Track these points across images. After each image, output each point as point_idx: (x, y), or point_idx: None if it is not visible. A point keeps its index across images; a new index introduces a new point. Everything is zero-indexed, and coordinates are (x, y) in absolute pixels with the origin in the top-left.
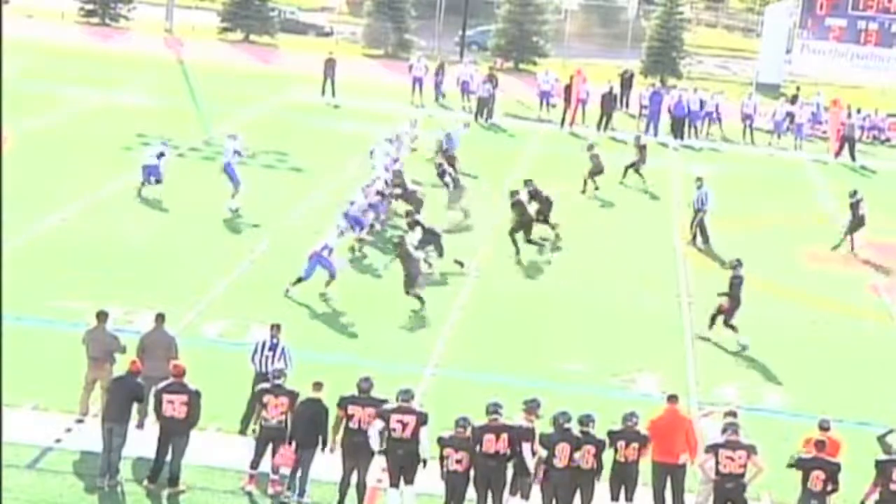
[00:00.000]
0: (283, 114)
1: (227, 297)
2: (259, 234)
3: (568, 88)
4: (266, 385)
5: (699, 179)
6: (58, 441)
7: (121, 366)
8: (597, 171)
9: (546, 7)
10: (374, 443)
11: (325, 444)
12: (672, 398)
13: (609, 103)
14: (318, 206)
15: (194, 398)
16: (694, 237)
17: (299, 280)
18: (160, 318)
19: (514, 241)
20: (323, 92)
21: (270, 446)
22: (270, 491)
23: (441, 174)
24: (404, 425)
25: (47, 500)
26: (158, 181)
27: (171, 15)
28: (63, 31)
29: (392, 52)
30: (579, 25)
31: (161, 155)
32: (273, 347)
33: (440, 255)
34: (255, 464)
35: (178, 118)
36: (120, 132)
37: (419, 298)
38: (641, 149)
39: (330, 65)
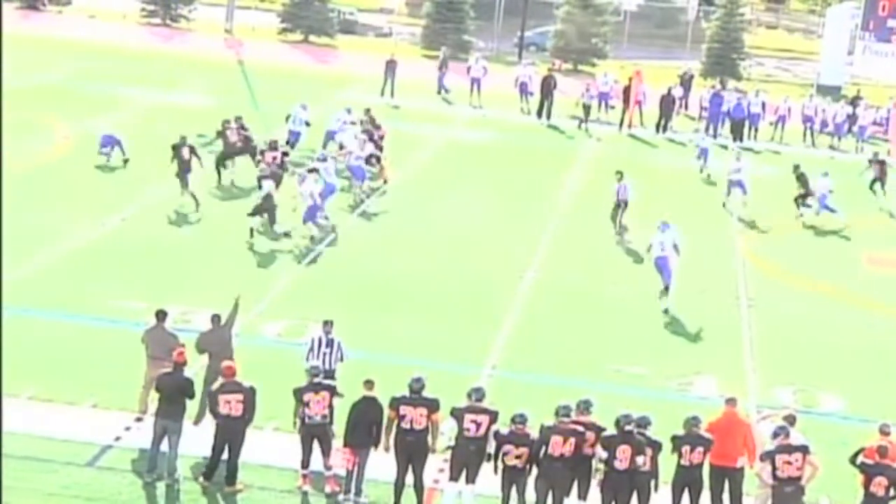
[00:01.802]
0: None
1: (287, 297)
2: (315, 233)
3: (626, 90)
4: (303, 384)
5: (619, 173)
6: (117, 439)
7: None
8: (806, 192)
9: (605, 8)
10: (444, 440)
11: (377, 443)
12: (730, 401)
13: (668, 105)
14: (374, 207)
15: (250, 395)
16: (618, 231)
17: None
18: (216, 318)
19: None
20: (382, 93)
21: (316, 443)
22: (328, 489)
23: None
24: (478, 425)
25: (106, 497)
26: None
27: (231, 16)
28: (125, 32)
29: (451, 53)
30: (638, 27)
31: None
32: (329, 344)
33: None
34: (305, 463)
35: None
36: (180, 132)
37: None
38: (880, 164)
39: (391, 66)
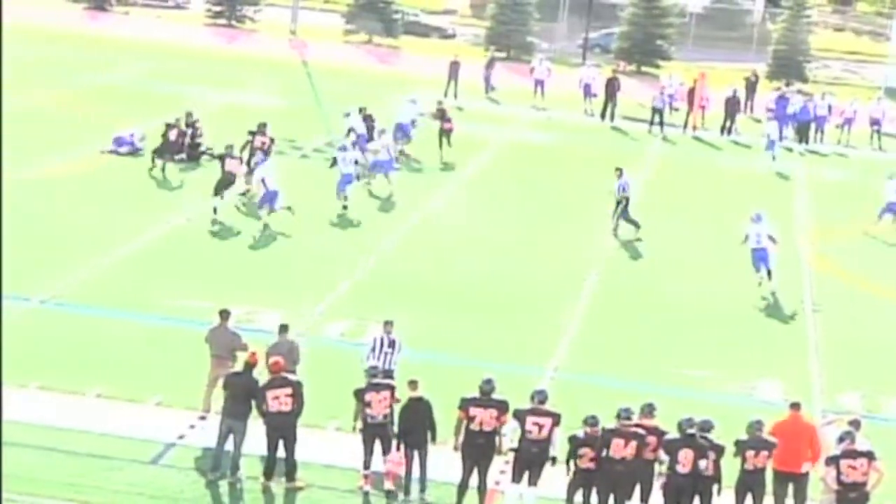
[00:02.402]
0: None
1: (349, 297)
2: (381, 234)
3: (691, 92)
4: (363, 385)
5: (618, 169)
6: (181, 437)
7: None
8: None
9: (671, 10)
10: (506, 442)
11: (433, 438)
12: (795, 405)
13: (733, 107)
14: (437, 208)
15: (298, 388)
16: (616, 227)
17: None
18: (284, 329)
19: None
20: (445, 94)
21: (378, 443)
22: (387, 486)
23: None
24: (540, 427)
25: (169, 495)
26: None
27: (295, 16)
28: (190, 33)
29: (514, 54)
30: (704, 28)
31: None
32: (391, 344)
33: None
34: (367, 463)
35: (301, 119)
36: (244, 133)
37: None
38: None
39: (454, 67)
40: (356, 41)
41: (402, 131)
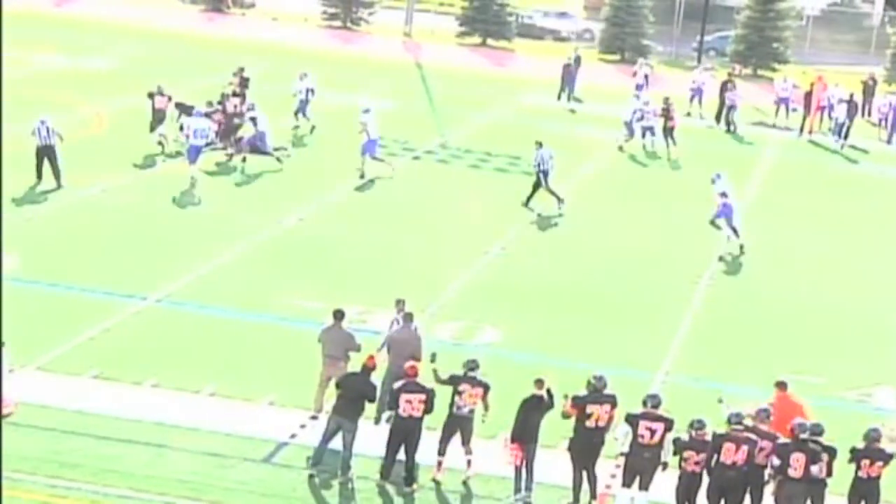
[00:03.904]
0: (518, 118)
1: (461, 298)
2: (491, 236)
3: (808, 95)
4: (459, 374)
5: (538, 142)
6: (293, 436)
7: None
8: None
9: (787, 13)
10: (620, 445)
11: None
12: (781, 384)
13: (850, 111)
14: (548, 211)
15: (431, 396)
16: (528, 198)
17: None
18: (409, 317)
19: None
20: (559, 97)
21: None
22: (437, 476)
23: None
24: (652, 432)
25: (281, 493)
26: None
27: (410, 19)
28: (306, 35)
29: (629, 57)
30: (821, 31)
31: None
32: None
33: None
34: (442, 450)
35: (414, 121)
36: (357, 135)
37: None
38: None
39: (568, 69)
40: (470, 43)
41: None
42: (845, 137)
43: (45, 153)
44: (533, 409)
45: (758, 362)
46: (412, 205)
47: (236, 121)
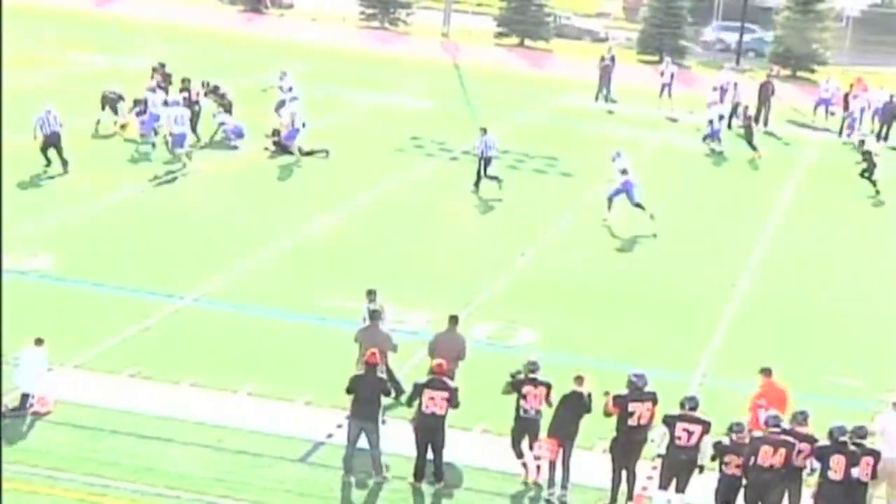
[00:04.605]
0: (555, 119)
1: (498, 299)
2: (528, 237)
3: (847, 97)
4: (521, 376)
5: (482, 128)
6: (329, 436)
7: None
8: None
9: (827, 14)
10: (656, 447)
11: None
12: (766, 371)
13: (889, 113)
14: (586, 212)
15: (454, 395)
16: (476, 183)
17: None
18: (453, 319)
19: None
20: (597, 97)
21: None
22: (529, 479)
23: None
24: (689, 434)
25: (317, 493)
26: None
27: (448, 19)
28: (344, 35)
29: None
30: (861, 32)
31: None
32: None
33: None
34: (520, 453)
35: (452, 122)
36: (395, 135)
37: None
38: (866, 154)
39: (606, 70)
40: (507, 44)
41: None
42: (885, 139)
43: (52, 141)
44: (572, 407)
45: (796, 365)
46: (449, 205)
47: (196, 108)
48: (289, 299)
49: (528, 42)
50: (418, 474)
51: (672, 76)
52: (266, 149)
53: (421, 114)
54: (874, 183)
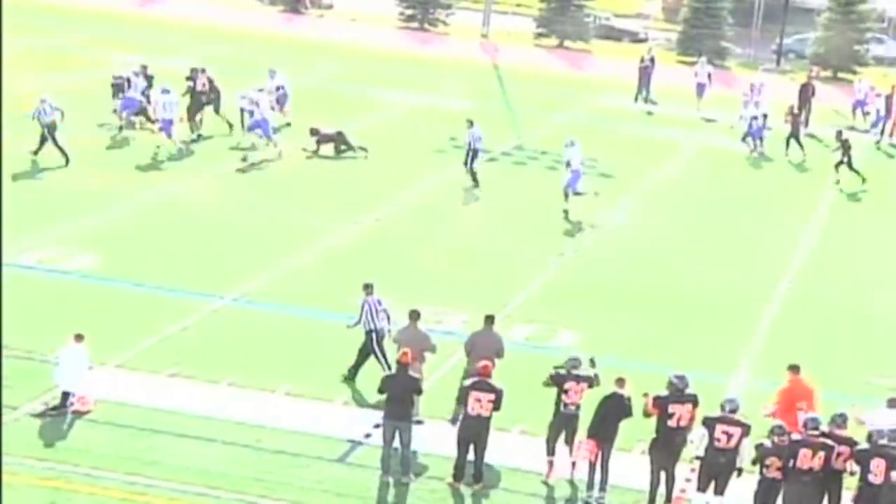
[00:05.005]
0: (594, 120)
1: (536, 300)
2: (567, 238)
3: (889, 98)
4: (562, 371)
5: (469, 121)
6: (367, 436)
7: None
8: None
9: (868, 15)
10: (695, 449)
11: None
12: (794, 368)
13: None
14: (626, 213)
15: (500, 396)
16: (474, 178)
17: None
18: (489, 319)
19: None
20: (636, 98)
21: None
22: (549, 478)
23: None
24: (729, 436)
25: (355, 493)
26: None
27: (487, 20)
28: (383, 36)
29: (708, 59)
30: None
31: None
32: (379, 302)
33: None
34: (552, 449)
35: (491, 123)
36: (433, 135)
37: None
38: (843, 143)
39: (645, 71)
40: (547, 45)
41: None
42: None
43: (49, 130)
44: (612, 408)
45: (837, 367)
46: (488, 206)
47: (203, 99)
48: (328, 299)
49: (567, 43)
50: (458, 475)
51: (708, 76)
52: (304, 149)
53: (460, 114)
54: (856, 171)
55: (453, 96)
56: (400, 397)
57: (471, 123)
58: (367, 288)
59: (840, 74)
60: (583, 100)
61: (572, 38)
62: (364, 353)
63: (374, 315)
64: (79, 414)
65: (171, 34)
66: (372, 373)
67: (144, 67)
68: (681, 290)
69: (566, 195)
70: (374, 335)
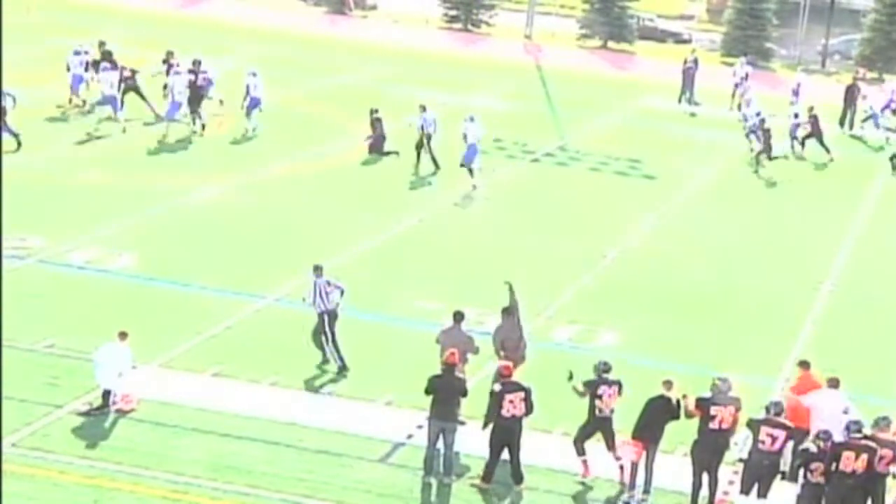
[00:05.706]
0: (638, 121)
1: (578, 301)
2: (610, 239)
3: None
4: (594, 378)
5: (422, 106)
6: (409, 437)
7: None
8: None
9: None
10: (738, 451)
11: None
12: (804, 364)
13: None
14: (669, 215)
15: (529, 394)
16: (434, 161)
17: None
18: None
19: None
20: (680, 99)
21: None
22: (587, 477)
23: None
24: (773, 439)
25: (397, 494)
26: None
27: (531, 21)
28: (427, 37)
29: (748, 59)
30: None
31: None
32: (328, 284)
33: None
34: (581, 450)
35: (534, 123)
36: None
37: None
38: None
39: (689, 73)
40: (590, 46)
41: None
42: None
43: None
44: (658, 410)
45: (880, 370)
46: (531, 207)
47: (201, 91)
48: (370, 299)
49: (611, 44)
50: (488, 477)
51: (746, 76)
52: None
53: (503, 115)
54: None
55: (496, 97)
56: (446, 398)
57: (423, 108)
58: (317, 270)
59: (886, 76)
60: (626, 101)
61: (616, 39)
62: (316, 334)
63: (325, 297)
64: (122, 413)
65: (215, 35)
66: (417, 373)
67: (102, 44)
68: (724, 291)
69: (471, 172)
70: (325, 317)
